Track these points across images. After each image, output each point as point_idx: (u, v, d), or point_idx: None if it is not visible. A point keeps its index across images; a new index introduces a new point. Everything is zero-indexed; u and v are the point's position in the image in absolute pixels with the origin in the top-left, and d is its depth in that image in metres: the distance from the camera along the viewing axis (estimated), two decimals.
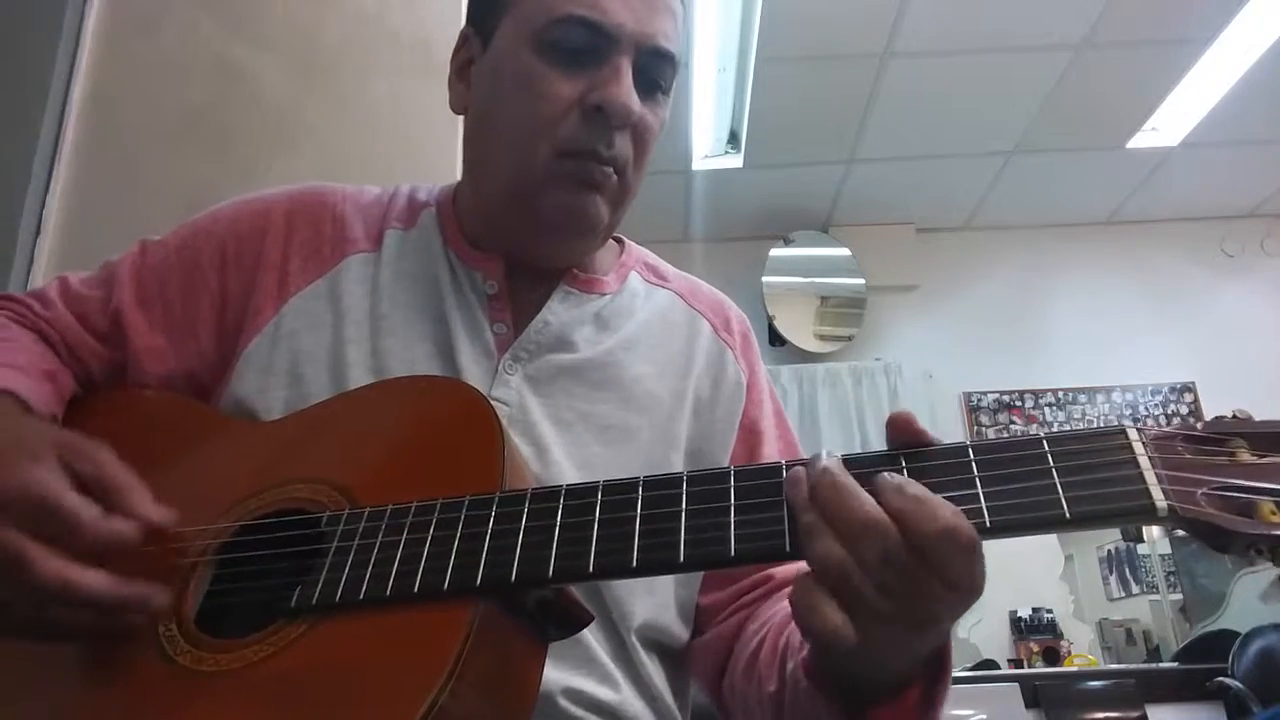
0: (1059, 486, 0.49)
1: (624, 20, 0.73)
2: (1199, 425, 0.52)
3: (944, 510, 0.48)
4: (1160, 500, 0.48)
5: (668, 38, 0.76)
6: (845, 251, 4.23)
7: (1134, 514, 0.49)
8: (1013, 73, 3.33)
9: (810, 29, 3.11)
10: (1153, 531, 3.63)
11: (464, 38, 0.84)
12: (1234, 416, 0.52)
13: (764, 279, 4.13)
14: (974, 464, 0.51)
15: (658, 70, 0.76)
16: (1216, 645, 2.78)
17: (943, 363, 4.05)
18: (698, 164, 3.80)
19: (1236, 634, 2.68)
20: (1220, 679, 2.58)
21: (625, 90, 0.72)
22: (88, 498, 0.57)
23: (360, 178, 0.92)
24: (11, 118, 1.18)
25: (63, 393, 0.75)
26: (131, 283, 0.81)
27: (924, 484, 0.50)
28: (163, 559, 0.62)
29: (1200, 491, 0.48)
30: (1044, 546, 3.79)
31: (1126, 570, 3.77)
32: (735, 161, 3.80)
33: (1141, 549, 3.72)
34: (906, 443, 0.53)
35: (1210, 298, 4.21)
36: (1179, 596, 3.56)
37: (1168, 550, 3.65)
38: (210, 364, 0.79)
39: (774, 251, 4.20)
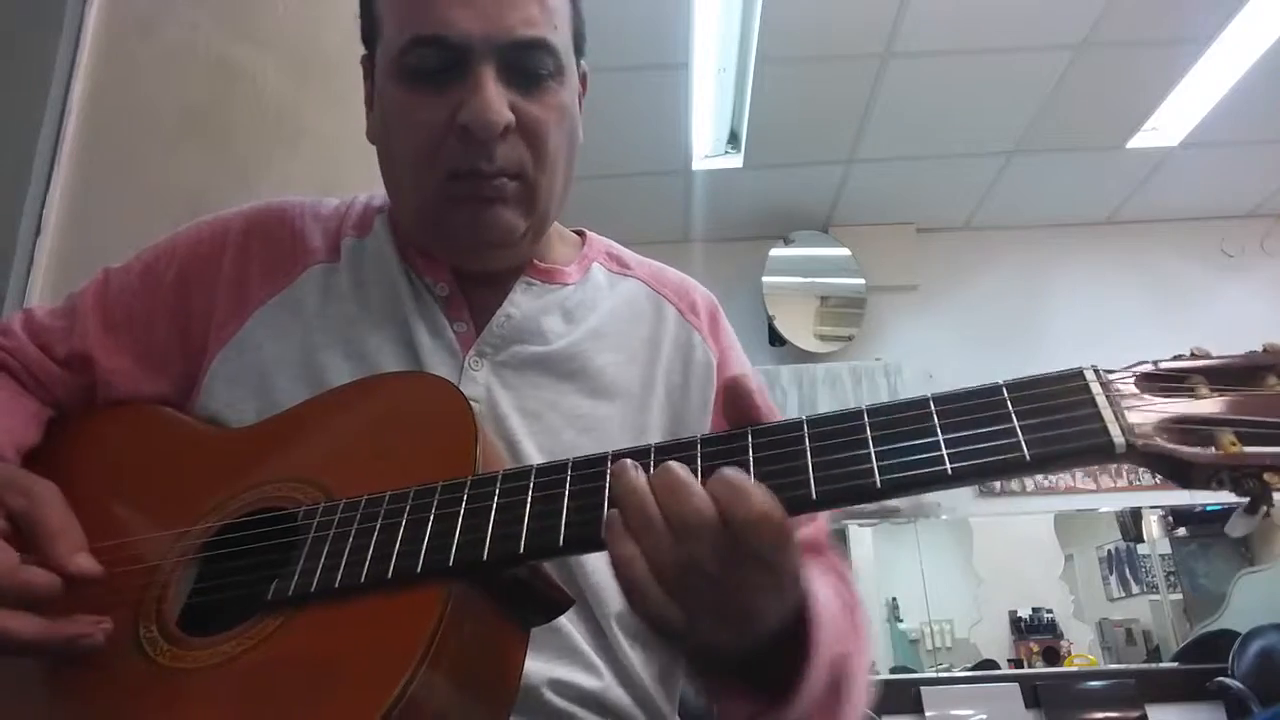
0: (1018, 430, 0.50)
1: (471, 28, 0.71)
2: (1157, 364, 0.52)
3: (757, 496, 0.49)
4: (1118, 436, 0.48)
5: (530, 23, 0.73)
6: (845, 251, 4.22)
7: (1093, 452, 0.49)
8: (1013, 73, 3.33)
9: (810, 29, 3.10)
10: (1153, 531, 3.63)
11: (365, 67, 0.83)
12: (1192, 354, 0.52)
13: (764, 279, 4.10)
14: (935, 414, 0.52)
15: (529, 62, 0.74)
16: (1216, 645, 2.79)
17: (943, 363, 4.04)
18: (698, 164, 3.79)
19: (1236, 634, 2.69)
20: (1220, 679, 2.59)
21: (486, 104, 0.71)
22: (8, 544, 0.57)
23: (360, 178, 0.92)
24: (11, 118, 1.18)
25: (38, 417, 0.76)
26: (96, 310, 0.81)
27: (891, 434, 0.52)
28: (127, 574, 0.62)
29: (1159, 426, 0.49)
30: (1044, 546, 3.79)
31: (1126, 570, 3.77)
32: (735, 161, 3.79)
33: (1142, 549, 3.73)
34: (742, 414, 0.55)
35: (1210, 298, 4.20)
36: (1179, 596, 3.57)
37: (1168, 550, 3.65)
38: (179, 385, 0.79)
39: (774, 251, 4.19)
